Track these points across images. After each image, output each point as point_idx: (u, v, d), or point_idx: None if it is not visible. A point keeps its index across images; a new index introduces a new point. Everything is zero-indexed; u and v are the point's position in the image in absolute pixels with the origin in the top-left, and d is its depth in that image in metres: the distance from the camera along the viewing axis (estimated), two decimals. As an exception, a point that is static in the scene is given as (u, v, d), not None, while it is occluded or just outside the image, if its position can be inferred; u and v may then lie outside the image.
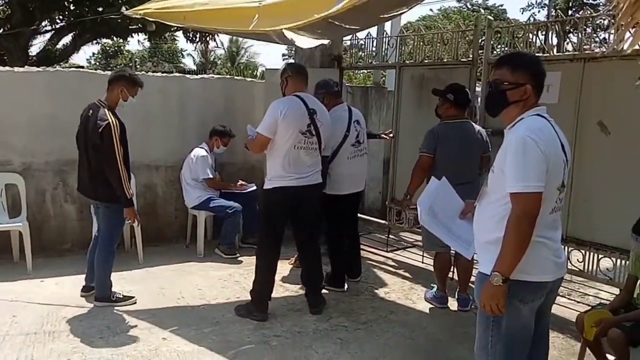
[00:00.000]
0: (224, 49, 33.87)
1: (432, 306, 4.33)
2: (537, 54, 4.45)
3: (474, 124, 4.31)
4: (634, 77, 3.49)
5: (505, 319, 2.22)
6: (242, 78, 6.71)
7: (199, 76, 6.50)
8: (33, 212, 5.23)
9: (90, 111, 3.94)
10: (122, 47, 37.18)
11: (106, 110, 3.89)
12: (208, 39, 16.56)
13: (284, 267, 5.01)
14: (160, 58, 38.45)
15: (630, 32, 2.37)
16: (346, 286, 4.65)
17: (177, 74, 6.76)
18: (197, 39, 16.12)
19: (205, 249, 5.46)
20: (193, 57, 36.76)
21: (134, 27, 13.90)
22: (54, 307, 4.08)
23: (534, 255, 2.16)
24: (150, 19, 5.03)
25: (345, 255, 4.72)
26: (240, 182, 5.81)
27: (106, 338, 3.63)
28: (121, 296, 4.19)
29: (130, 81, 4.05)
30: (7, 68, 5.40)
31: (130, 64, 34.74)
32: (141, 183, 5.63)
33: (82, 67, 23.00)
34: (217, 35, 15.84)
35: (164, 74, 6.40)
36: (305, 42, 4.30)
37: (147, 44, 32.78)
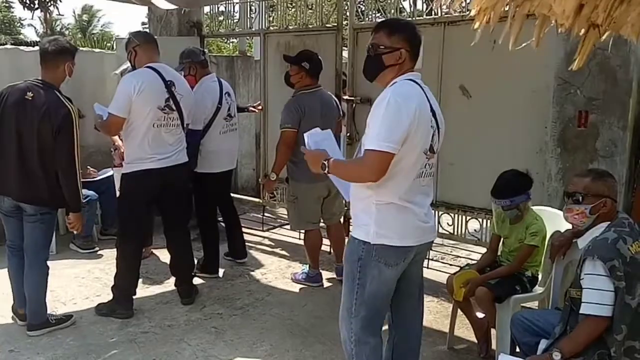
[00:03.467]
0: (75, 17, 31.43)
1: (309, 285, 4.39)
2: (404, 20, 4.61)
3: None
4: (490, 40, 3.74)
5: (369, 282, 2.37)
6: (90, 49, 6.25)
7: (37, 48, 5.94)
8: None
9: (30, 94, 3.30)
10: (-56, 17, 33.07)
11: (59, 94, 3.35)
12: (49, 6, 15.25)
13: (150, 258, 4.83)
14: (-6, 29, 34.73)
15: None
16: (221, 272, 4.59)
17: (8, 46, 6.15)
18: (36, 6, 14.78)
19: (58, 244, 5.06)
20: (35, 28, 33.70)
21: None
22: None
23: (398, 219, 2.33)
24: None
25: (217, 239, 4.64)
26: (89, 169, 5.40)
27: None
28: (59, 317, 3.68)
29: (74, 52, 3.51)
30: None
31: (-43, 36, 31.04)
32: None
33: None
34: (61, 1, 14.64)
35: (-7, 47, 5.79)
36: (163, 3, 4.11)
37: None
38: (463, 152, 4.32)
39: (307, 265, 4.46)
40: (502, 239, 3.40)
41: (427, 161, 2.35)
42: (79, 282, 4.45)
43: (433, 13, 4.57)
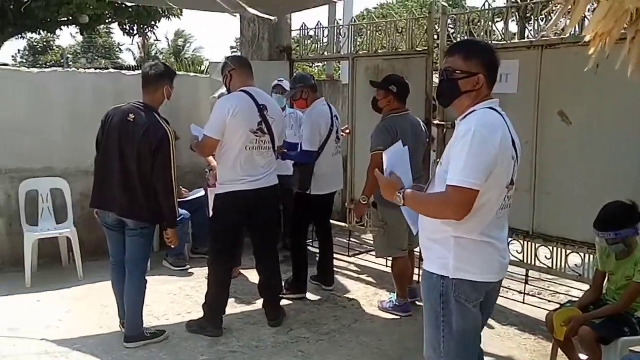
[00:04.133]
0: (168, 41, 33.28)
1: (397, 315, 4.33)
2: (495, 42, 4.55)
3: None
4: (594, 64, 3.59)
5: (455, 319, 2.28)
6: (186, 73, 6.58)
7: (137, 72, 6.33)
8: (-45, 226, 4.99)
9: (132, 116, 3.55)
10: (51, 42, 35.98)
11: (157, 116, 3.59)
12: (147, 31, 16.22)
13: (239, 278, 4.95)
14: (95, 54, 37.37)
15: (566, 15, 2.40)
16: (307, 295, 4.65)
17: (112, 71, 6.59)
18: (135, 32, 15.77)
19: (152, 261, 5.30)
20: (132, 52, 35.96)
21: (64, 19, 13.46)
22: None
23: (481, 255, 2.24)
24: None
25: (307, 260, 4.70)
26: (182, 189, 5.63)
27: (43, 366, 3.49)
28: (153, 331, 3.87)
29: (173, 76, 3.75)
30: None
31: (62, 60, 33.65)
32: (77, 191, 5.44)
33: (7, 64, 22.11)
34: (157, 27, 15.55)
35: (97, 71, 6.23)
36: (251, 9, 4.25)
37: (80, 38, 31.87)
38: (563, 181, 4.16)
39: (395, 294, 4.40)
40: (607, 276, 3.22)
41: (507, 193, 2.26)
42: (172, 298, 4.64)
43: (529, 36, 4.46)
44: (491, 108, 2.24)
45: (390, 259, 4.53)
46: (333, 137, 4.59)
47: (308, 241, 4.97)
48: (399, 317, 4.29)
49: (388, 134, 4.04)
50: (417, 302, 4.34)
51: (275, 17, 5.36)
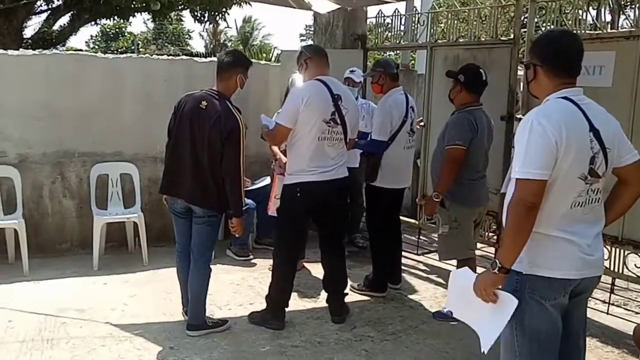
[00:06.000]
0: (236, 29, 33.96)
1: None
2: (588, 32, 4.38)
3: None
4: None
5: (527, 317, 2.26)
6: (256, 61, 6.69)
7: (208, 59, 6.52)
8: (29, 208, 5.33)
9: (204, 103, 3.63)
10: (123, 29, 37.55)
11: (229, 105, 3.67)
12: (218, 19, 16.60)
13: (302, 271, 5.01)
14: (165, 40, 38.72)
15: None
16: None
17: (184, 57, 6.80)
18: (206, 19, 16.16)
19: (216, 249, 5.46)
20: (202, 38, 36.96)
21: (137, 6, 13.99)
22: (52, 312, 4.14)
23: (557, 250, 2.22)
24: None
25: (389, 257, 4.71)
26: (245, 179, 5.72)
27: (109, 346, 3.68)
28: (215, 320, 4.00)
29: (248, 65, 3.82)
30: (0, 51, 5.48)
31: (133, 47, 35.07)
32: (145, 177, 5.69)
33: (81, 50, 23.26)
34: (228, 14, 15.88)
35: (170, 57, 6.44)
36: (324, 5, 4.27)
37: (150, 25, 33.07)
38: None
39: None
40: None
41: (589, 187, 2.21)
42: (234, 288, 4.76)
43: (624, 25, 4.26)
44: (565, 97, 2.25)
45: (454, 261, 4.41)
46: (406, 128, 4.52)
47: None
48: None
49: (469, 129, 3.96)
50: None
51: (350, 8, 5.39)
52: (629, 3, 4.52)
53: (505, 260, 2.20)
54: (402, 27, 6.32)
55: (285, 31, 68.31)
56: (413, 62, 9.67)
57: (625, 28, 4.34)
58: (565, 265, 2.22)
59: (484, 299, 2.28)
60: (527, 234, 2.16)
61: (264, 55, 22.10)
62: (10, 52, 5.43)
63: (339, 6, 4.71)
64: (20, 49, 6.13)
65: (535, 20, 4.93)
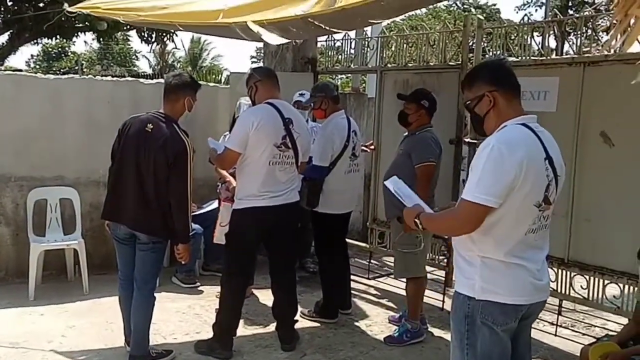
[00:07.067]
0: (184, 50, 33.81)
1: (414, 342, 4.27)
2: (533, 58, 4.56)
3: None
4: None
5: (480, 342, 2.29)
6: (205, 83, 6.67)
7: (155, 81, 6.45)
8: (-41, 235, 5.10)
9: (150, 125, 3.57)
10: (66, 48, 36.85)
11: (177, 128, 3.62)
12: (165, 39, 16.50)
13: (251, 298, 4.96)
14: (111, 60, 38.15)
15: (627, 29, 2.43)
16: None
17: (129, 79, 6.73)
18: (153, 40, 16.04)
19: (161, 277, 5.34)
20: (148, 60, 36.64)
21: (81, 25, 13.76)
22: (-17, 347, 3.96)
23: (509, 276, 2.25)
24: (97, 15, 4.96)
25: (338, 282, 4.71)
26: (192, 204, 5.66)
27: (44, 382, 3.53)
28: (159, 351, 3.87)
29: (196, 87, 3.79)
30: None
31: (77, 67, 34.39)
32: (87, 202, 5.54)
33: (21, 70, 22.66)
34: (176, 35, 15.79)
35: (114, 79, 6.36)
36: (273, 38, 4.32)
37: (95, 45, 32.55)
38: (603, 207, 4.12)
39: (404, 325, 4.33)
40: (649, 309, 3.16)
41: (541, 214, 2.27)
42: (180, 317, 4.66)
43: (572, 52, 4.46)
44: (523, 124, 2.28)
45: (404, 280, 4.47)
46: (348, 153, 4.53)
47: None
48: (420, 345, 4.25)
49: (436, 146, 4.16)
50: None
51: (300, 41, 5.45)
52: (572, 30, 4.72)
53: (426, 222, 2.40)
54: (353, 51, 6.43)
55: (235, 53, 68.40)
56: (364, 85, 9.82)
57: (569, 54, 4.54)
58: (518, 291, 2.26)
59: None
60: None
61: (213, 76, 22.07)
62: (-58, 71, 5.25)
63: (288, 40, 4.80)
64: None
65: (483, 45, 5.10)
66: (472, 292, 2.28)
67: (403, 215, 2.53)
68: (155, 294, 3.80)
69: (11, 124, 5.26)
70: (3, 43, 14.91)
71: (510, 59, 4.66)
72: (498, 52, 4.93)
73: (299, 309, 4.37)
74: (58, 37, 15.27)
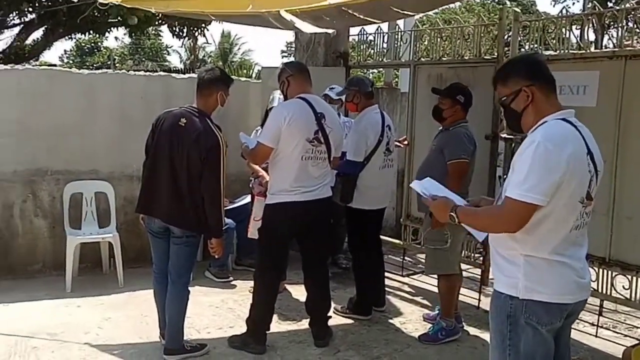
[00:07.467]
0: (215, 45, 34.08)
1: (449, 340, 4.25)
2: (571, 52, 4.47)
3: None
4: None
5: (523, 343, 2.25)
6: (236, 78, 6.71)
7: (187, 75, 6.53)
8: (-1, 228, 5.23)
9: (183, 120, 3.62)
10: (99, 43, 37.46)
11: (210, 122, 3.66)
12: (197, 34, 16.61)
13: (284, 293, 4.99)
14: (142, 55, 38.69)
15: None
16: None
17: (161, 73, 6.80)
18: (185, 34, 16.18)
19: (194, 271, 5.41)
20: (180, 55, 37.02)
21: (113, 20, 13.96)
22: (23, 336, 4.06)
23: (554, 274, 2.22)
24: (128, 6, 5.03)
25: (372, 279, 4.71)
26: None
27: (81, 373, 3.61)
28: (194, 345, 3.93)
29: (229, 82, 3.82)
30: (-30, 66, 5.42)
31: (109, 62, 34.96)
32: (121, 196, 5.64)
33: (55, 65, 23.15)
34: (207, 30, 15.90)
35: (147, 74, 6.44)
36: (307, 26, 4.33)
37: (127, 40, 33.04)
38: (646, 204, 4.02)
39: (439, 323, 4.30)
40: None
41: (584, 210, 2.24)
42: (213, 311, 4.72)
43: (612, 45, 4.37)
44: (564, 119, 2.25)
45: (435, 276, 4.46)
46: (382, 148, 4.53)
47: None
48: (455, 343, 4.22)
49: (469, 143, 4.12)
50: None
51: (334, 31, 5.45)
52: (612, 23, 4.63)
53: (462, 217, 2.34)
54: (385, 45, 6.39)
55: (265, 47, 68.69)
56: (396, 80, 9.76)
57: (608, 48, 4.44)
58: (563, 289, 2.23)
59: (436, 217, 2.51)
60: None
61: (244, 71, 22.20)
62: (-19, 67, 5.38)
63: (322, 30, 4.79)
64: (-8, 64, 6.07)
65: (519, 39, 5.02)
66: (515, 292, 2.24)
67: (434, 212, 2.49)
68: (189, 288, 3.85)
69: (47, 118, 5.38)
70: (38, 38, 15.22)
71: (548, 52, 4.59)
72: (535, 46, 4.86)
73: (332, 305, 4.37)
74: (91, 32, 15.52)
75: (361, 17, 4.51)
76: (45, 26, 14.27)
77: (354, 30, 6.56)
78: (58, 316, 4.48)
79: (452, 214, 2.35)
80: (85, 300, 4.81)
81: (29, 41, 15.23)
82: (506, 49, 5.08)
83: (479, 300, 4.89)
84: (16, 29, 14.48)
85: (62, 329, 4.20)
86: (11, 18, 13.96)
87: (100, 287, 5.12)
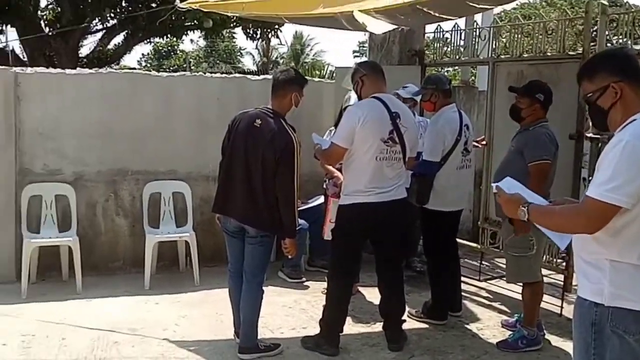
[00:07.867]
0: (287, 46, 34.52)
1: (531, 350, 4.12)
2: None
3: None
4: None
5: (609, 352, 2.14)
6: (310, 78, 6.77)
7: (261, 77, 6.64)
8: (83, 226, 5.50)
9: (258, 121, 3.70)
10: (175, 47, 38.73)
11: (284, 123, 3.73)
12: (270, 35, 16.90)
13: (357, 295, 4.98)
14: (216, 58, 39.71)
15: None
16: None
17: (237, 75, 6.94)
18: (258, 36, 16.50)
19: (268, 271, 5.49)
20: (253, 56, 37.73)
21: (190, 24, 14.42)
22: (105, 331, 4.25)
23: None
24: (206, 10, 5.19)
25: (448, 283, 4.64)
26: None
27: (160, 368, 3.73)
28: (268, 344, 3.99)
29: (303, 83, 3.87)
30: (57, 70, 5.72)
31: (185, 65, 36.09)
32: (198, 196, 5.79)
33: (134, 68, 24.14)
34: (280, 31, 16.15)
35: (223, 76, 6.58)
36: (379, 26, 4.30)
37: (202, 42, 33.97)
38: None
39: (521, 331, 4.17)
40: None
41: None
42: (286, 311, 4.77)
43: None
44: None
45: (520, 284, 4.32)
46: (459, 148, 4.44)
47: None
48: (536, 353, 4.08)
49: (551, 144, 3.99)
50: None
51: (408, 28, 5.40)
52: None
53: (534, 216, 2.23)
54: (462, 42, 6.27)
55: (337, 48, 68.81)
56: (473, 78, 9.56)
57: None
58: None
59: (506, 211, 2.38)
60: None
61: (317, 72, 22.33)
62: (67, 71, 5.66)
63: (395, 27, 4.74)
64: (77, 68, 6.39)
65: (606, 33, 4.80)
66: (600, 298, 2.14)
67: (502, 206, 2.39)
68: (263, 287, 3.91)
69: (128, 119, 5.59)
70: (119, 43, 15.93)
71: (638, 47, 4.36)
72: (624, 41, 4.64)
73: (407, 308, 4.33)
74: (169, 35, 16.08)
75: (436, 14, 4.44)
76: (126, 31, 14.91)
77: (430, 28, 6.47)
78: (137, 312, 4.66)
79: (523, 208, 2.25)
80: (163, 297, 4.98)
81: (110, 46, 15.96)
82: (592, 44, 4.87)
83: (562, 307, 4.72)
84: (99, 35, 15.21)
85: (141, 325, 4.37)
86: (94, 24, 14.67)
87: (177, 285, 5.28)
